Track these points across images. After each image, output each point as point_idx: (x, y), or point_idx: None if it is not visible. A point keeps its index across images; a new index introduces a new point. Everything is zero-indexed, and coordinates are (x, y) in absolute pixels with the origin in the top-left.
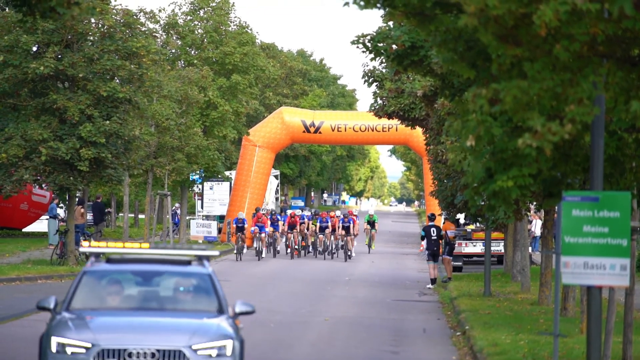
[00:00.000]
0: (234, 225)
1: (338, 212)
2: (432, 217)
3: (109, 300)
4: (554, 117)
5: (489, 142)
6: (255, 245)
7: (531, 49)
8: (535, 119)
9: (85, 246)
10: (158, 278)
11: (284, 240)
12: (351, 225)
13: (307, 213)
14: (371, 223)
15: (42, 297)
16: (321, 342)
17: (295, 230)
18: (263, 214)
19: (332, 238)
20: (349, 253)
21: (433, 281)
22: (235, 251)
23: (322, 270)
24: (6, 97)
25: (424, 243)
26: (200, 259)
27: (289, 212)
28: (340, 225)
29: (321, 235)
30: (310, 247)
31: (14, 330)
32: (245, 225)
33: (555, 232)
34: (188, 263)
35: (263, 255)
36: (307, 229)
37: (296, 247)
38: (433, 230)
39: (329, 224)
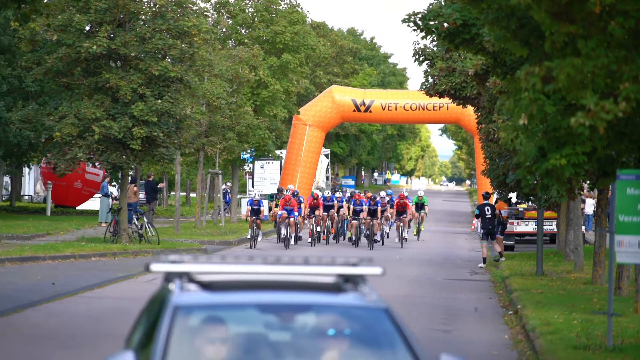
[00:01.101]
0: (248, 207)
1: (382, 193)
2: (486, 196)
3: (227, 357)
4: (608, 95)
5: (541, 121)
6: (282, 232)
7: (585, 26)
8: (588, 97)
9: (164, 263)
10: (299, 316)
11: (306, 224)
12: (378, 208)
13: (338, 195)
14: (420, 206)
15: (112, 355)
16: None
17: (317, 214)
18: (292, 195)
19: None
20: (376, 239)
21: (484, 260)
22: (249, 236)
23: (367, 252)
24: (60, 76)
25: (475, 222)
26: (350, 280)
27: (314, 192)
28: (366, 208)
29: (355, 221)
30: (345, 232)
31: (69, 307)
32: (262, 208)
33: (609, 211)
34: (338, 289)
35: (292, 242)
36: (338, 213)
37: (318, 233)
38: (487, 209)
39: (364, 207)
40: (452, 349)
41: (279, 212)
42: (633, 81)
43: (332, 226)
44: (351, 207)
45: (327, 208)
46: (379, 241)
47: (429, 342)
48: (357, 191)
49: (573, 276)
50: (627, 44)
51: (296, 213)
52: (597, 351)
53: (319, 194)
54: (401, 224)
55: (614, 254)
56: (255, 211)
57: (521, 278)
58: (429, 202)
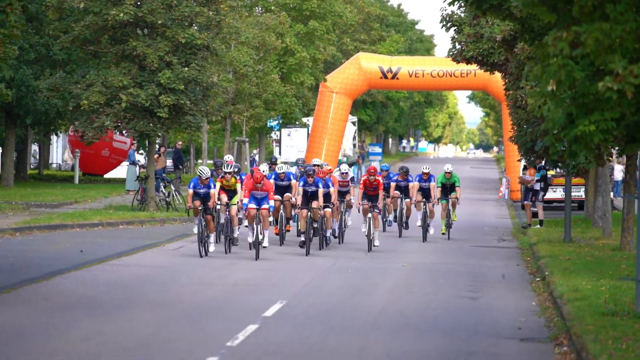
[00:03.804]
0: (191, 192)
1: (344, 167)
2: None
3: None
4: (636, 60)
5: (570, 87)
6: (250, 231)
7: None
8: (617, 61)
9: None
10: None
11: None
12: (319, 190)
13: (291, 169)
14: (448, 187)
15: None
16: (399, 289)
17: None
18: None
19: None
20: (327, 236)
21: (542, 223)
22: (195, 230)
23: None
24: (87, 44)
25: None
26: None
27: (253, 168)
28: (300, 189)
29: (304, 210)
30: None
31: (97, 275)
32: (212, 191)
33: (638, 176)
34: None
35: (265, 244)
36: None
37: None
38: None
39: (328, 188)
40: (479, 316)
41: (244, 202)
42: None
43: (287, 219)
44: (301, 188)
45: (280, 190)
46: (338, 239)
47: (456, 309)
48: (316, 164)
49: (601, 243)
50: None
51: (272, 202)
52: (625, 317)
53: (264, 169)
54: (369, 216)
55: None
56: (203, 197)
57: (549, 245)
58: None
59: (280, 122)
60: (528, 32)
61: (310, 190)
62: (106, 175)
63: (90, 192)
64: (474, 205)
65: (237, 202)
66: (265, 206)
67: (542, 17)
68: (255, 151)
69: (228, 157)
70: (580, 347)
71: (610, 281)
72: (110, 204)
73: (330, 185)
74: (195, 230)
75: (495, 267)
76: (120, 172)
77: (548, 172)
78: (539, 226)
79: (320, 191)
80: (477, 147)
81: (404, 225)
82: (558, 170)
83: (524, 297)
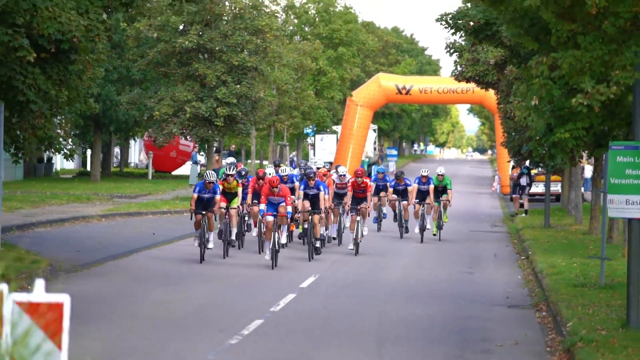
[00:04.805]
0: (195, 196)
1: (341, 169)
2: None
3: None
4: (602, 81)
5: (549, 102)
6: (270, 241)
7: (584, 24)
8: (586, 82)
9: None
10: None
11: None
12: (321, 193)
13: (293, 172)
14: (441, 190)
15: None
16: (411, 265)
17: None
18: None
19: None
20: (315, 243)
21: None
22: (195, 243)
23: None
24: (159, 66)
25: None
26: None
27: (259, 170)
28: (300, 192)
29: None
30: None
31: (166, 253)
32: (217, 197)
33: (603, 174)
34: None
35: (283, 240)
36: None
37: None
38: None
39: (323, 191)
40: (475, 288)
41: (262, 208)
42: (622, 69)
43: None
44: (301, 191)
45: None
46: (335, 240)
47: (457, 282)
48: (318, 165)
49: (574, 228)
50: (617, 39)
51: (289, 207)
52: (592, 288)
53: (270, 172)
54: (358, 218)
55: (606, 209)
56: (206, 203)
57: (532, 230)
58: (455, 181)
59: (315, 129)
60: (516, 57)
61: (311, 193)
62: (174, 172)
63: (160, 186)
64: (471, 198)
65: (237, 206)
66: (282, 209)
67: (527, 45)
68: (293, 153)
69: (231, 160)
70: (556, 312)
71: (581, 259)
72: (177, 195)
73: (322, 189)
74: (196, 244)
75: (488, 248)
76: (185, 169)
77: (531, 171)
78: (524, 215)
79: (322, 194)
80: (474, 150)
81: (405, 229)
82: (539, 169)
83: (511, 272)
